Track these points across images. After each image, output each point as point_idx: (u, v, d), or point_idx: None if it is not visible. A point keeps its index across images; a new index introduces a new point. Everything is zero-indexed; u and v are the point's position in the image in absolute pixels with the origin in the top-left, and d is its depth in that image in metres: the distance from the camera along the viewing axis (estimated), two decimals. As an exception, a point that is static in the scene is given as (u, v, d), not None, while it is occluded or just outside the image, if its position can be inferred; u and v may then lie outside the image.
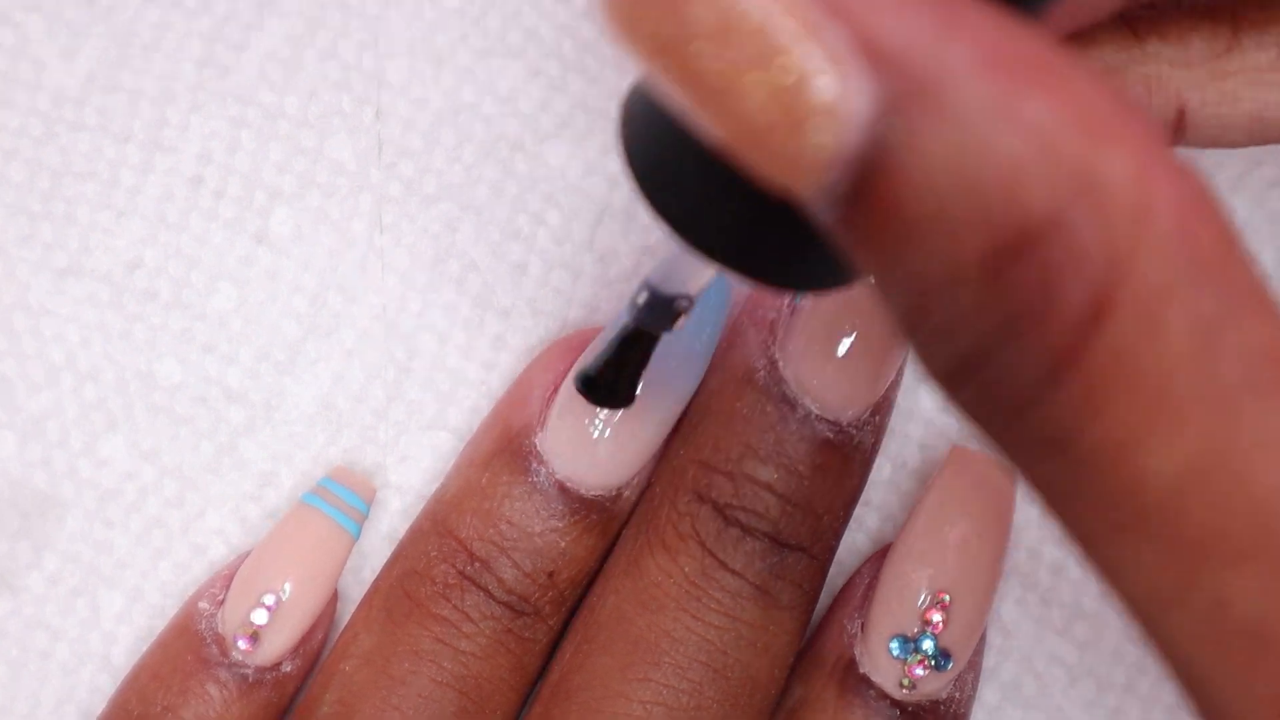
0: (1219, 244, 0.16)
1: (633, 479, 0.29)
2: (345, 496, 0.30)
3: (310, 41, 0.32)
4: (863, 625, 0.29)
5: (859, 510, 0.32)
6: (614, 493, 0.29)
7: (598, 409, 0.29)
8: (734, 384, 0.29)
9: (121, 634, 0.32)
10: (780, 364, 0.29)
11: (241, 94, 0.32)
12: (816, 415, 0.28)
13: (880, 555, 0.30)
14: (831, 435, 0.28)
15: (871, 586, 0.30)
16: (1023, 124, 0.15)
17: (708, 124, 0.16)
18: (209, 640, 0.29)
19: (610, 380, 0.27)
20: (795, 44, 0.16)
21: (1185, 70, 0.25)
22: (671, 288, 0.24)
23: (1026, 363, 0.16)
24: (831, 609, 0.31)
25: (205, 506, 0.32)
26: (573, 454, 0.29)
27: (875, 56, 0.16)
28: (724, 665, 0.28)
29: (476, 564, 0.29)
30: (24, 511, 0.32)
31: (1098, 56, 0.25)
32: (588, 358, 0.28)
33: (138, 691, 0.29)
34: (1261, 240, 0.31)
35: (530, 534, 0.29)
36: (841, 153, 0.16)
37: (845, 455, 0.29)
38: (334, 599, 0.30)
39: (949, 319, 0.16)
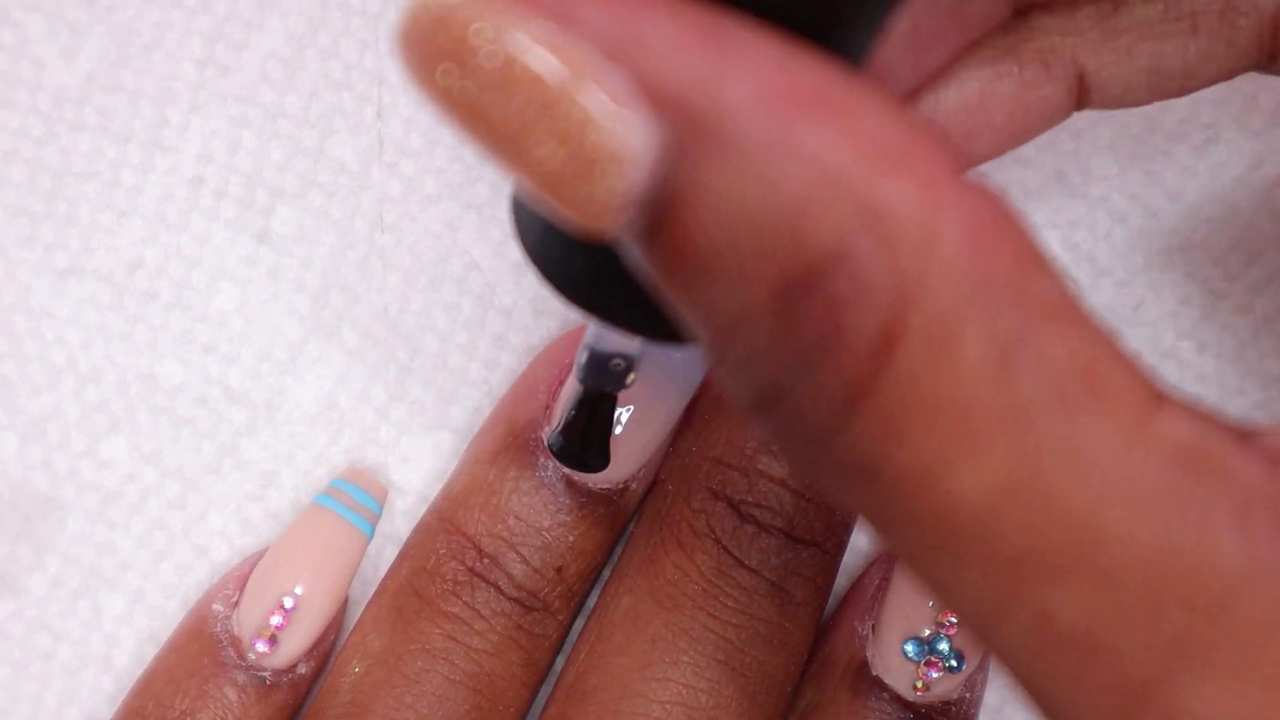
0: (1015, 262, 0.16)
1: (639, 472, 0.29)
2: (357, 496, 0.30)
3: (311, 41, 0.32)
4: (874, 627, 0.29)
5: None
6: (620, 486, 0.29)
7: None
8: None
9: (123, 636, 0.32)
10: None
11: (242, 93, 0.32)
12: None
13: (888, 556, 0.30)
14: None
15: (881, 588, 0.29)
16: (802, 157, 0.15)
17: (509, 172, 0.16)
18: (225, 643, 0.29)
19: (576, 445, 0.27)
20: (575, 91, 0.16)
21: (1077, 37, 0.25)
22: (606, 346, 0.25)
23: (823, 395, 0.16)
24: (841, 610, 0.30)
25: (207, 507, 0.32)
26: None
27: (655, 97, 0.16)
28: (742, 663, 0.28)
29: (486, 560, 0.29)
30: (25, 514, 0.32)
31: (988, 43, 0.25)
32: (555, 420, 0.28)
33: (154, 695, 0.29)
34: (1265, 240, 0.31)
35: (539, 529, 0.29)
36: (632, 195, 0.16)
37: None
38: (344, 601, 0.30)
39: (748, 353, 0.16)
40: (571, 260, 0.20)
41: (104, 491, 0.32)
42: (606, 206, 0.16)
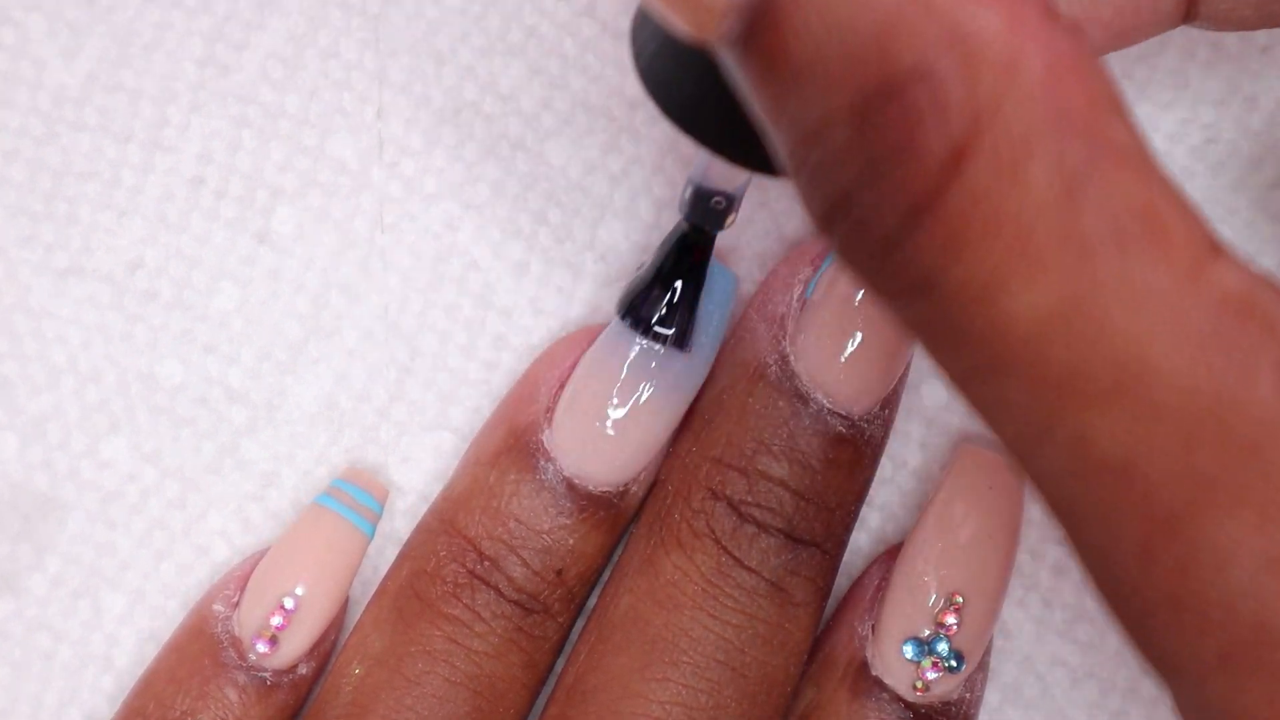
0: (1091, 101, 0.17)
1: (640, 475, 0.29)
2: (358, 496, 0.30)
3: (312, 40, 0.32)
4: (874, 628, 0.29)
5: (861, 510, 0.32)
6: (622, 489, 0.29)
7: (606, 407, 0.29)
8: (745, 380, 0.29)
9: (124, 636, 0.32)
10: (791, 359, 0.29)
11: (243, 93, 0.32)
12: (829, 410, 0.28)
13: (888, 556, 0.30)
14: (844, 429, 0.28)
15: (881, 588, 0.29)
16: None
17: None
18: (225, 643, 0.29)
19: (665, 301, 0.28)
20: None
21: None
22: (710, 183, 0.26)
23: (889, 204, 0.17)
24: (840, 611, 0.30)
25: (207, 507, 0.32)
26: (580, 450, 0.29)
27: None
28: (742, 664, 0.28)
29: (486, 563, 0.29)
30: (25, 513, 0.32)
31: None
32: (633, 281, 0.29)
33: (154, 695, 0.29)
34: (1262, 241, 0.31)
35: (539, 531, 0.29)
36: (734, 2, 0.17)
37: (857, 449, 0.29)
38: (345, 602, 0.30)
39: (823, 161, 0.17)
40: (681, 85, 0.21)
41: (104, 491, 0.32)
42: (710, 12, 0.17)
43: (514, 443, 0.29)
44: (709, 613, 0.28)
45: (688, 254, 0.28)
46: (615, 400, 0.29)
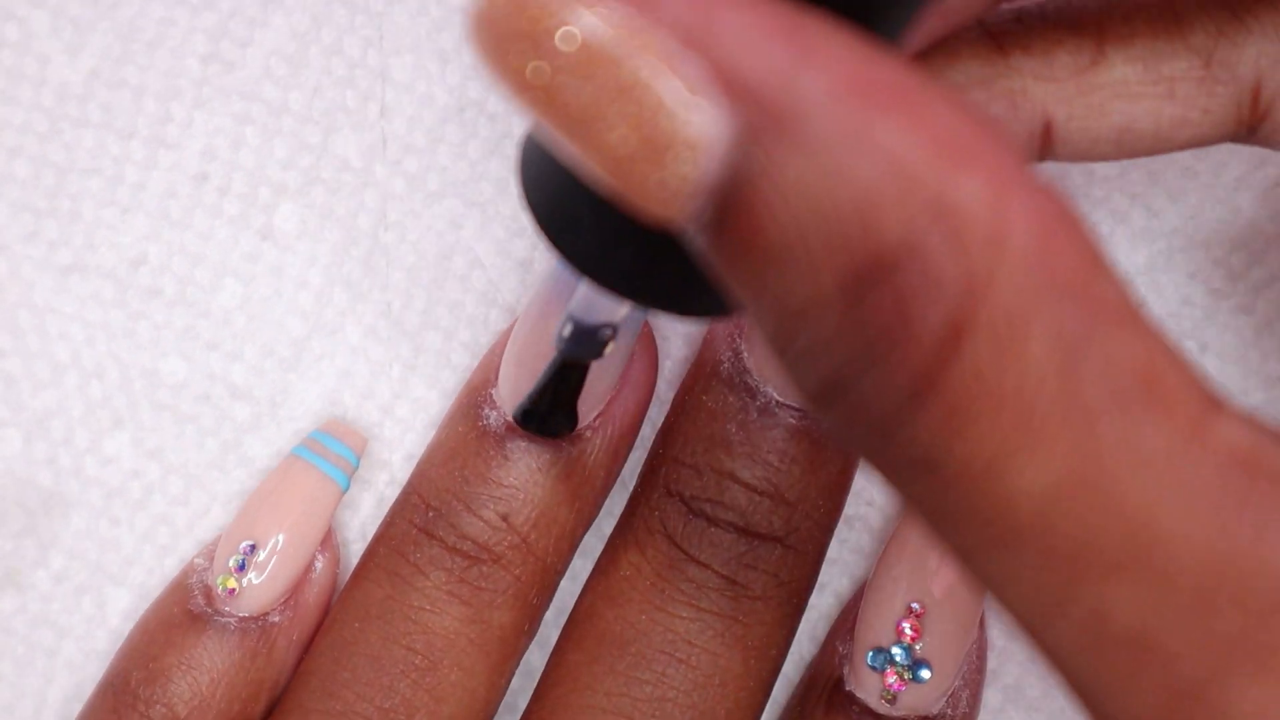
0: (1080, 263, 0.16)
1: (593, 421, 0.29)
2: (333, 447, 0.30)
3: (315, 38, 0.32)
4: (851, 644, 0.29)
5: (863, 510, 0.32)
6: (571, 434, 0.29)
7: (540, 351, 0.28)
8: (701, 378, 0.29)
9: (127, 631, 0.32)
10: (744, 354, 0.29)
11: (246, 90, 0.32)
12: (779, 402, 0.28)
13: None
14: (797, 422, 0.28)
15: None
16: (876, 151, 0.16)
17: (578, 156, 0.16)
18: (197, 592, 0.29)
19: (546, 411, 0.28)
20: (652, 77, 0.16)
21: (1051, 84, 0.25)
22: (594, 318, 0.25)
23: (888, 387, 0.16)
24: (829, 634, 0.31)
25: (211, 503, 0.32)
26: (517, 394, 0.29)
27: (732, 87, 0.16)
28: (689, 655, 0.28)
29: (432, 513, 0.29)
30: (29, 509, 0.32)
31: (962, 70, 0.25)
32: (523, 400, 0.28)
33: (129, 648, 0.30)
34: (1266, 241, 0.31)
35: (483, 477, 0.29)
36: (703, 183, 0.16)
37: (816, 443, 0.29)
38: (331, 555, 0.30)
39: (812, 344, 0.17)
40: (590, 234, 0.20)
41: (108, 487, 0.32)
42: (676, 193, 0.16)
43: (465, 400, 0.30)
44: (656, 605, 0.28)
45: (567, 381, 0.27)
46: (547, 345, 0.28)
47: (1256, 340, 0.32)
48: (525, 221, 0.32)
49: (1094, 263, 0.16)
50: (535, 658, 0.31)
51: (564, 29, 0.16)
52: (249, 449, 0.32)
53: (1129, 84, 0.24)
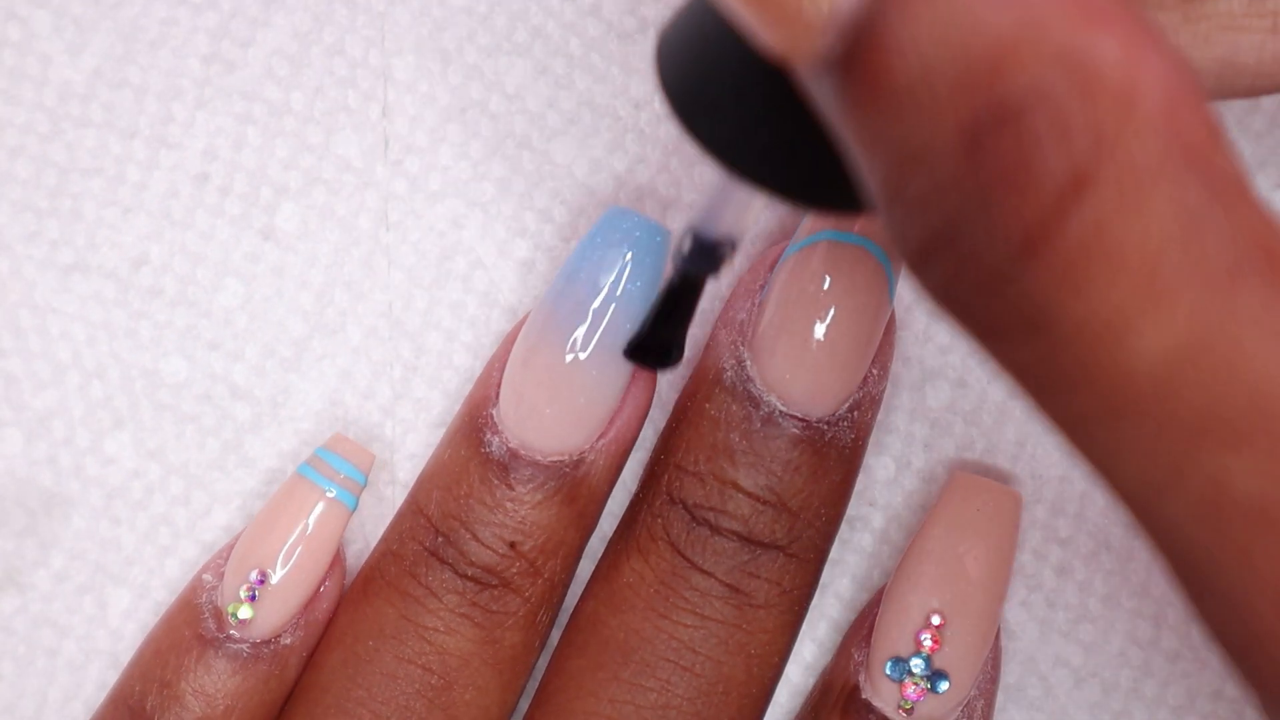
0: (1205, 134, 0.16)
1: (593, 443, 0.29)
2: (340, 467, 0.30)
3: (317, 38, 0.32)
4: (867, 652, 0.29)
5: (864, 511, 0.32)
6: (573, 458, 0.29)
7: (541, 376, 0.28)
8: (705, 386, 0.29)
9: (128, 631, 0.32)
10: (747, 363, 0.29)
11: (248, 90, 0.32)
12: (782, 412, 0.28)
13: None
14: (799, 432, 0.28)
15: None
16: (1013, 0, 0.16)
17: None
18: (208, 615, 0.29)
19: (663, 338, 0.27)
20: None
21: (1159, 11, 0.24)
22: (716, 230, 0.24)
23: (1001, 235, 0.16)
24: (843, 640, 0.31)
25: (212, 504, 0.32)
26: (520, 420, 0.29)
27: None
28: (693, 663, 0.28)
29: (440, 539, 0.29)
30: (30, 509, 0.32)
31: None
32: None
33: (141, 667, 0.30)
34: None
35: (489, 505, 0.29)
36: (836, 16, 0.16)
37: (818, 452, 0.28)
38: (339, 573, 0.30)
39: (925, 189, 0.16)
40: (721, 111, 0.19)
41: (109, 487, 0.32)
42: (808, 27, 0.16)
43: (467, 420, 0.30)
44: (659, 613, 0.28)
45: (678, 301, 0.26)
46: (551, 369, 0.29)
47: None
48: (527, 222, 0.32)
49: (1217, 135, 0.16)
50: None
51: None
52: (250, 449, 0.32)
53: (1234, 15, 0.24)
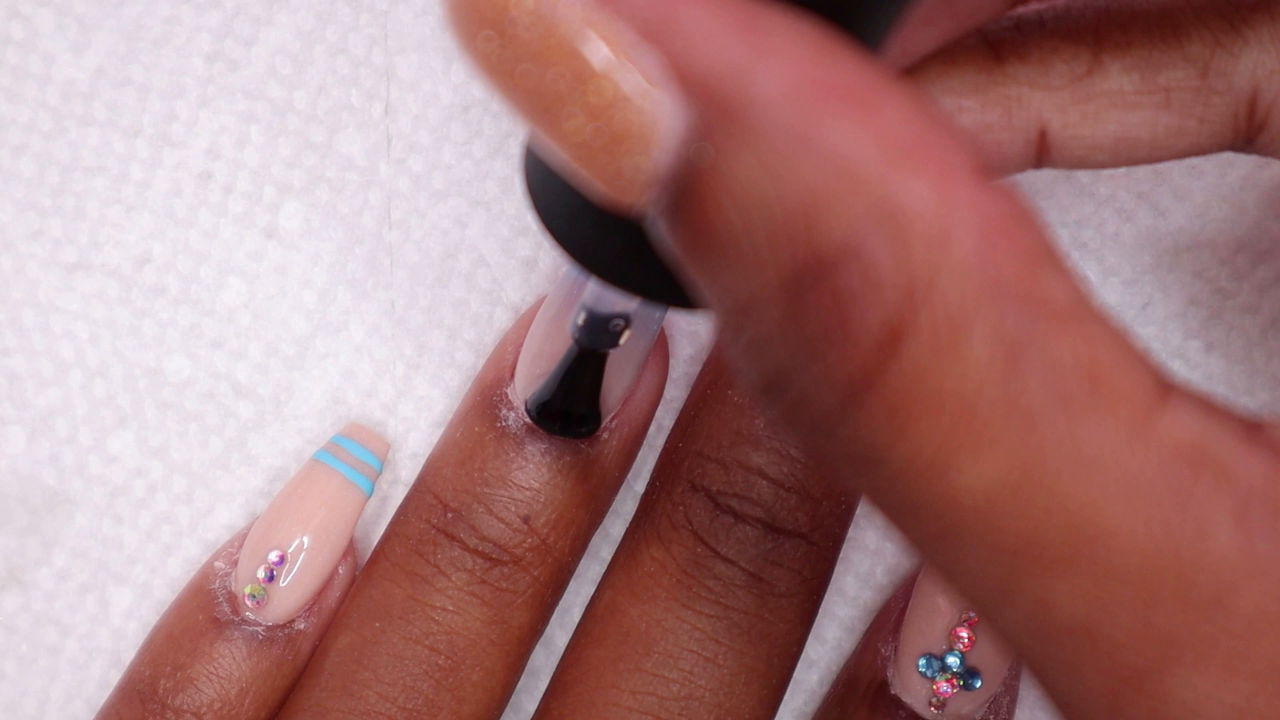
0: (1025, 262, 0.16)
1: (609, 421, 0.29)
2: (357, 452, 0.30)
3: (320, 37, 0.32)
4: (895, 648, 0.29)
5: (866, 507, 0.32)
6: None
7: (559, 353, 0.29)
8: (726, 373, 0.29)
9: (130, 630, 0.32)
10: None
11: (251, 89, 0.32)
12: None
13: (915, 579, 0.30)
14: None
15: (905, 610, 0.30)
16: (822, 151, 0.16)
17: (543, 141, 0.17)
18: (221, 599, 0.29)
19: (566, 407, 0.28)
20: (609, 68, 0.16)
21: (1047, 92, 0.25)
22: (606, 308, 0.25)
23: (827, 385, 0.16)
24: (867, 633, 0.31)
25: (214, 502, 0.32)
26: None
27: (686, 80, 0.16)
28: (716, 653, 0.28)
29: (450, 514, 0.29)
30: (33, 508, 0.32)
31: (958, 77, 0.25)
32: (538, 391, 0.28)
33: (152, 653, 0.30)
34: (1272, 240, 0.31)
35: (503, 479, 0.29)
36: (657, 173, 0.16)
37: None
38: (352, 560, 0.30)
39: (758, 336, 0.17)
40: (581, 225, 0.20)
41: (111, 486, 0.32)
42: (632, 182, 0.17)
43: (480, 399, 0.30)
44: (682, 603, 0.28)
45: (580, 372, 0.28)
46: (566, 345, 0.29)
47: (1262, 339, 0.31)
48: (529, 220, 0.32)
49: (1041, 261, 0.16)
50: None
51: (527, 18, 0.16)
52: (253, 447, 0.32)
53: (1125, 93, 0.24)
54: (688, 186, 0.16)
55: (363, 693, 0.28)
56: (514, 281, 0.32)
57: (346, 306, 0.32)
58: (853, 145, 0.16)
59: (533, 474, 0.29)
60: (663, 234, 0.17)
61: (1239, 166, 0.31)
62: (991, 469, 0.16)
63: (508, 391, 0.29)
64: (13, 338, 0.32)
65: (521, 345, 0.30)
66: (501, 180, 0.32)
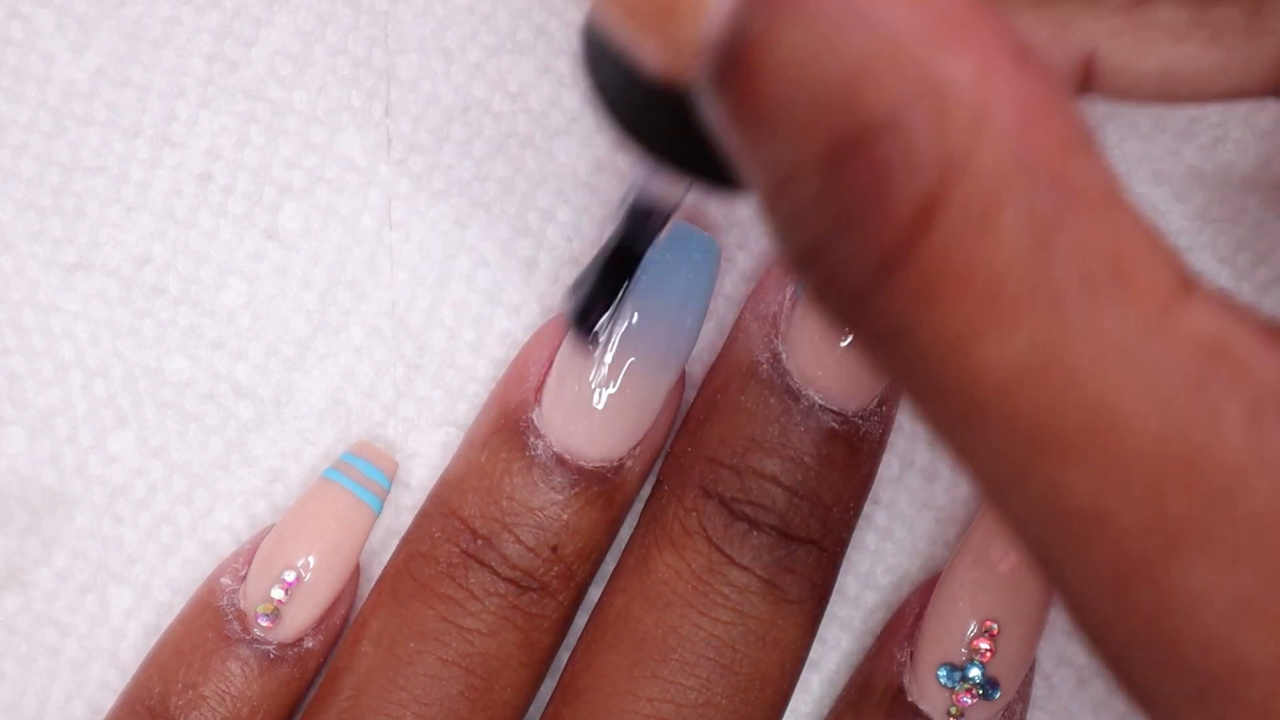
0: (1060, 145, 0.17)
1: (634, 450, 0.29)
2: (367, 471, 0.30)
3: (320, 37, 0.32)
4: (912, 654, 0.29)
5: (868, 508, 0.32)
6: (615, 464, 0.29)
7: (591, 381, 0.29)
8: (738, 378, 0.29)
9: (130, 630, 0.32)
10: (783, 356, 0.29)
11: (251, 89, 0.32)
12: (821, 406, 0.28)
13: (930, 584, 0.30)
14: (837, 426, 0.28)
15: (921, 616, 0.29)
16: (869, 24, 0.16)
17: (600, 8, 0.17)
18: (230, 616, 0.29)
19: (594, 298, 0.27)
20: None
21: (1098, 18, 0.25)
22: (647, 199, 0.25)
23: (860, 257, 0.17)
24: (881, 639, 0.31)
25: (214, 503, 0.32)
26: (568, 424, 0.29)
27: None
28: (732, 660, 0.28)
29: (479, 541, 0.29)
30: (33, 508, 0.32)
31: None
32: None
33: (159, 669, 0.30)
34: (1272, 240, 0.31)
35: (531, 508, 0.29)
36: (706, 41, 0.17)
37: (852, 446, 0.29)
38: (356, 577, 0.30)
39: (796, 207, 0.17)
40: (632, 101, 0.20)
41: (111, 486, 0.32)
42: (683, 50, 0.17)
43: (505, 423, 0.30)
44: (698, 610, 0.28)
45: (618, 267, 0.27)
46: (600, 374, 0.29)
47: (1262, 340, 0.32)
48: (530, 221, 0.32)
49: (1075, 146, 0.17)
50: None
51: None
52: (253, 448, 0.32)
53: (1174, 25, 0.24)
54: (736, 55, 0.17)
55: (399, 712, 0.28)
56: (514, 282, 0.32)
57: (346, 307, 0.32)
58: (900, 20, 0.16)
59: (563, 506, 0.29)
60: (709, 105, 0.17)
61: (1240, 167, 0.31)
62: (1014, 349, 0.17)
63: (533, 417, 0.29)
64: (13, 338, 0.32)
65: (545, 364, 0.30)
66: (502, 181, 0.32)
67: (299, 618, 0.29)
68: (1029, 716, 0.31)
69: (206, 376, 0.32)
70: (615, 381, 0.29)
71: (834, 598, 0.32)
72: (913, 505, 0.32)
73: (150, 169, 0.32)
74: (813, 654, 0.32)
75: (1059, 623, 0.31)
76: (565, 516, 0.29)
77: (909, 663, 0.29)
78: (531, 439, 0.29)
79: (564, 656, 0.30)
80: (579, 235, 0.32)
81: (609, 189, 0.32)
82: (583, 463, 0.29)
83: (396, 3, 0.32)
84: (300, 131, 0.32)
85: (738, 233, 0.32)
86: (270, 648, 0.29)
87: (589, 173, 0.32)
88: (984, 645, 0.28)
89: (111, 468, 0.32)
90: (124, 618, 0.32)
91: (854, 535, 0.32)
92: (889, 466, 0.32)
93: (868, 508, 0.32)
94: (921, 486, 0.32)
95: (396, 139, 0.32)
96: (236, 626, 0.29)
